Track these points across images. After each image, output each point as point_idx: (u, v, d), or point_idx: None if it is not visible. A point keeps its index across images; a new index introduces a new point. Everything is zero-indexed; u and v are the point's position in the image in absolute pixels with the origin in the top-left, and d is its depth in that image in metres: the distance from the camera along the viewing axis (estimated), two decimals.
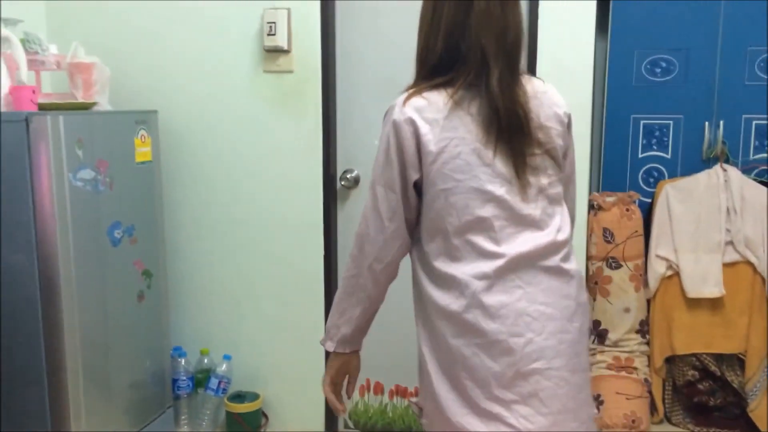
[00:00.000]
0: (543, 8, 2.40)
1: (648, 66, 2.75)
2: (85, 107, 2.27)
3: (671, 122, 2.77)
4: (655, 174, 2.83)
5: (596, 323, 2.75)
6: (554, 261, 1.39)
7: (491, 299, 1.33)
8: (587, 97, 2.42)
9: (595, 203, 2.72)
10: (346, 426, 2.91)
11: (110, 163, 2.25)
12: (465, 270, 1.35)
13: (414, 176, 1.38)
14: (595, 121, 2.53)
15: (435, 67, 1.40)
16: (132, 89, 2.71)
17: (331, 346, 1.53)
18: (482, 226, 1.34)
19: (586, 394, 1.43)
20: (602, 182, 2.87)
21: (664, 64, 2.73)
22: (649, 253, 2.76)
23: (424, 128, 1.34)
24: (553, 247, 1.39)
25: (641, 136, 2.81)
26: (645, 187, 2.84)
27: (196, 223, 2.80)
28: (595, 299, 2.74)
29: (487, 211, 1.34)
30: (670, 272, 2.75)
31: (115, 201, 2.29)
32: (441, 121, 1.34)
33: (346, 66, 2.70)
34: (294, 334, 2.77)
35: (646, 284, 2.77)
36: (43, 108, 2.12)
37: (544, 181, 1.39)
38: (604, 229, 2.70)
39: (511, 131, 1.34)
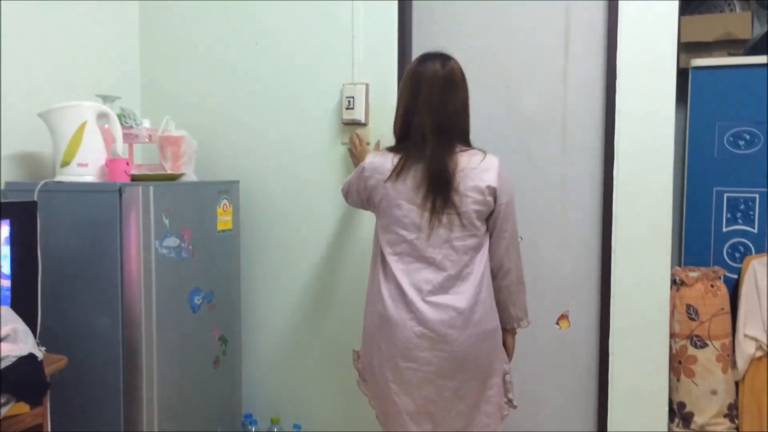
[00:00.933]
0: (621, 81, 2.39)
1: (731, 138, 2.69)
2: (173, 178, 2.38)
3: (757, 195, 2.67)
4: (741, 249, 2.72)
5: (681, 405, 2.61)
6: (446, 298, 1.87)
7: (394, 313, 1.89)
8: (668, 170, 2.37)
9: (678, 278, 2.62)
10: None
11: (193, 231, 2.34)
12: (382, 284, 1.93)
13: (369, 208, 2.02)
14: (675, 193, 2.47)
15: (399, 137, 1.96)
16: (216, 160, 2.84)
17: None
18: (397, 258, 1.91)
19: (453, 394, 1.91)
20: (684, 256, 2.78)
21: (747, 137, 2.67)
22: (737, 332, 2.63)
23: (373, 180, 1.93)
24: (448, 284, 1.88)
25: (725, 210, 2.72)
26: (730, 263, 2.72)
27: (270, 290, 2.85)
28: (679, 379, 2.61)
29: (401, 248, 1.90)
30: (760, 353, 2.60)
31: (196, 268, 2.37)
32: (384, 179, 1.90)
33: None
34: (365, 406, 2.73)
35: (734, 365, 2.62)
36: (136, 179, 2.24)
37: (453, 234, 1.87)
38: (688, 306, 2.59)
39: (435, 192, 1.84)
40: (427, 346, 1.88)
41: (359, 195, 2.01)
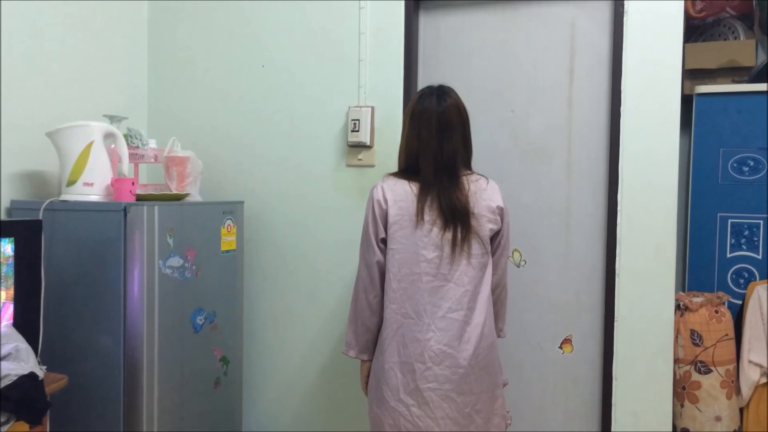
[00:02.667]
0: (625, 107, 2.40)
1: (735, 164, 2.69)
2: (178, 198, 2.39)
3: (761, 221, 2.67)
4: (745, 275, 2.71)
5: (685, 431, 2.58)
6: (461, 314, 1.96)
7: (409, 334, 1.95)
8: (672, 195, 2.38)
9: (682, 303, 2.61)
10: None
11: (198, 251, 2.34)
12: (394, 308, 1.98)
13: (381, 234, 2.00)
14: (679, 219, 2.47)
15: (406, 169, 2.05)
16: (221, 181, 2.85)
17: (354, 354, 2.10)
18: (414, 278, 1.97)
19: (473, 410, 1.98)
20: (688, 282, 2.77)
21: (751, 163, 2.67)
22: (741, 358, 2.61)
23: (388, 202, 1.99)
24: (463, 299, 1.96)
25: (729, 235, 2.72)
26: (734, 288, 2.71)
27: (273, 311, 2.85)
28: (683, 405, 2.59)
29: (420, 267, 1.96)
30: (765, 380, 2.58)
31: (199, 288, 2.37)
32: (399, 200, 1.98)
33: None
34: (367, 427, 2.72)
35: (738, 391, 2.60)
36: (141, 198, 2.25)
37: (473, 252, 1.97)
38: (692, 331, 2.57)
39: (456, 219, 1.95)
40: (448, 364, 1.94)
41: (376, 229, 2.01)
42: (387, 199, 1.99)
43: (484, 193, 2.01)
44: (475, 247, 1.98)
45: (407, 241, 1.97)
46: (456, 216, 1.95)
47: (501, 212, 2.04)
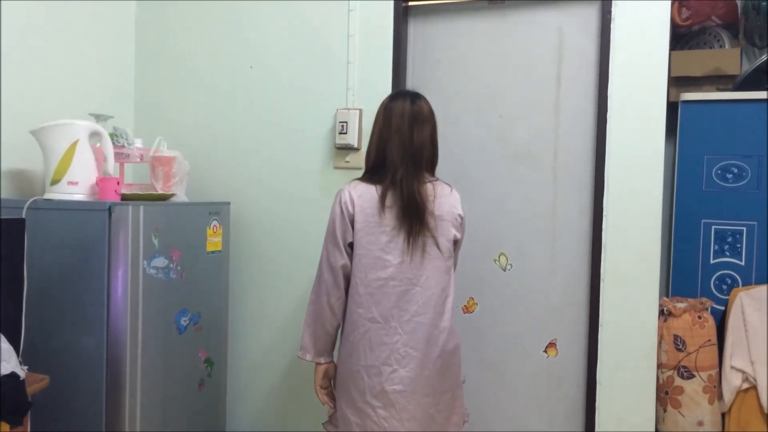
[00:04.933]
0: (612, 113, 2.42)
1: (719, 171, 2.71)
2: (164, 198, 2.38)
3: (744, 228, 2.69)
4: (728, 281, 2.73)
5: None
6: (426, 317, 2.00)
7: (375, 338, 1.98)
8: (657, 201, 2.40)
9: (665, 309, 2.63)
10: None
11: (183, 252, 2.33)
12: (361, 312, 2.00)
13: (348, 238, 2.02)
14: (664, 224, 2.49)
15: (372, 168, 2.07)
16: (207, 181, 2.84)
17: (310, 357, 2.11)
18: (381, 283, 1.99)
19: (435, 410, 2.03)
20: (672, 287, 2.79)
21: (735, 170, 2.70)
22: (724, 364, 2.63)
23: (355, 208, 2.01)
24: (428, 303, 2.00)
25: (713, 242, 2.74)
26: (718, 294, 2.73)
27: (258, 313, 2.84)
28: (665, 410, 2.60)
29: (387, 273, 1.99)
30: (746, 385, 2.60)
31: (184, 289, 2.35)
32: (366, 207, 2.00)
33: None
34: None
35: (720, 397, 2.62)
36: (126, 198, 2.24)
37: (433, 256, 2.01)
38: (675, 336, 2.59)
39: (411, 216, 1.97)
40: (413, 366, 1.99)
41: (344, 232, 2.03)
42: (354, 203, 2.01)
43: (448, 198, 2.07)
44: (440, 251, 2.03)
45: (373, 246, 2.00)
46: (412, 210, 1.98)
47: (462, 221, 2.10)
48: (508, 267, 2.68)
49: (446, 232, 2.04)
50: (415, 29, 2.75)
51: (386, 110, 2.07)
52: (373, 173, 2.06)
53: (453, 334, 2.08)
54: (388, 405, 1.99)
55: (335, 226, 2.03)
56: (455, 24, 2.71)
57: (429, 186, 2.03)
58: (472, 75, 2.69)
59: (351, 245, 2.03)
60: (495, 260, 2.69)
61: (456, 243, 2.09)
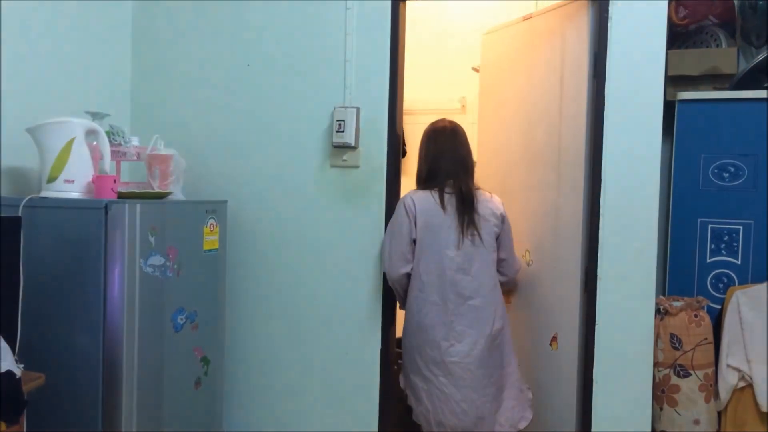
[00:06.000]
0: (609, 112, 2.42)
1: (715, 170, 2.72)
2: (161, 196, 2.37)
3: (741, 227, 2.70)
4: (725, 280, 2.74)
5: None
6: (477, 301, 2.46)
7: (436, 318, 2.45)
8: (654, 200, 2.40)
9: (662, 307, 2.63)
10: None
11: (179, 250, 2.32)
12: (423, 296, 2.47)
13: (413, 235, 2.49)
14: (661, 223, 2.49)
15: (427, 178, 2.55)
16: (204, 180, 2.83)
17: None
18: (439, 272, 2.46)
19: (488, 381, 2.47)
20: (668, 286, 2.80)
21: (732, 169, 2.70)
22: (720, 363, 2.64)
23: (417, 209, 2.48)
24: (479, 289, 2.47)
25: (709, 241, 2.75)
26: (714, 293, 2.75)
27: (255, 311, 2.84)
28: (662, 408, 2.61)
29: (444, 263, 2.46)
30: (742, 383, 2.61)
31: (180, 287, 2.35)
32: (426, 208, 2.48)
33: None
34: (348, 426, 2.72)
35: (716, 395, 2.63)
36: (122, 196, 2.23)
37: (479, 249, 2.48)
38: (672, 335, 2.60)
39: (464, 214, 2.47)
40: (468, 342, 2.45)
41: (409, 230, 2.49)
42: (416, 205, 2.47)
43: (488, 202, 2.53)
44: (484, 246, 2.48)
45: (433, 241, 2.46)
46: (466, 208, 2.46)
47: (503, 218, 2.55)
48: (531, 262, 2.76)
49: (489, 229, 2.50)
50: None
51: (431, 133, 2.60)
52: (428, 182, 2.53)
53: (501, 317, 2.51)
54: (447, 374, 2.44)
55: (401, 224, 2.48)
56: None
57: (475, 192, 2.52)
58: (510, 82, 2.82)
59: (414, 241, 2.48)
60: (523, 256, 2.80)
61: (498, 237, 2.54)
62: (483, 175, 2.94)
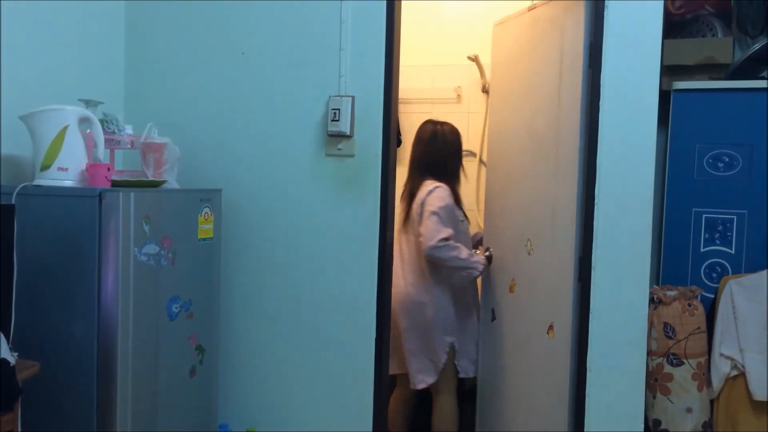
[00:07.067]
0: (604, 102, 2.42)
1: (710, 160, 2.72)
2: (155, 185, 2.37)
3: (735, 217, 2.71)
4: (718, 269, 2.75)
5: (656, 422, 2.62)
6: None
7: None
8: (648, 190, 2.40)
9: (656, 296, 2.64)
10: None
11: (174, 239, 2.32)
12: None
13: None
14: (655, 213, 2.50)
15: (431, 172, 3.13)
16: (199, 168, 2.82)
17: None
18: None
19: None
20: (662, 275, 2.81)
21: (726, 159, 2.71)
22: (713, 352, 2.65)
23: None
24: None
25: (703, 230, 2.75)
26: (707, 282, 2.75)
27: (250, 300, 2.84)
28: (654, 397, 2.63)
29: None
30: (735, 372, 2.63)
31: (175, 276, 2.34)
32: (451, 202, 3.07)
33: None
34: (343, 416, 2.73)
35: (709, 384, 2.65)
36: (116, 185, 2.22)
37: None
38: (665, 324, 2.61)
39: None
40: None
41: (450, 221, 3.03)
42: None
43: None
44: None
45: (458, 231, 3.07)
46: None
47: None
48: (531, 251, 2.77)
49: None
50: None
51: (437, 134, 3.16)
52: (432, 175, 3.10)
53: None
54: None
55: (450, 211, 3.02)
56: None
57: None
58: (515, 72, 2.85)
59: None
60: (525, 245, 2.81)
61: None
62: (494, 166, 3.11)
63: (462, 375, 3.14)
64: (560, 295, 2.61)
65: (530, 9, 2.87)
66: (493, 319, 3.11)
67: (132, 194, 2.13)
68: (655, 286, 2.70)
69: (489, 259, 3.12)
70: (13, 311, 2.02)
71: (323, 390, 2.76)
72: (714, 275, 2.76)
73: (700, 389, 2.61)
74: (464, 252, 2.96)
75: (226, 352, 2.83)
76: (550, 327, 2.67)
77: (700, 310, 2.64)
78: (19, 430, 1.89)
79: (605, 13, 2.41)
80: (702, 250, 2.77)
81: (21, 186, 2.16)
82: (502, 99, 3.13)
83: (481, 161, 3.90)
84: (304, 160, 2.74)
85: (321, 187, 2.72)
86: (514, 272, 2.96)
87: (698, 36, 2.96)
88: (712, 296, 2.73)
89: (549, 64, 2.68)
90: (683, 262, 2.79)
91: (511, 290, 2.97)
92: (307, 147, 2.73)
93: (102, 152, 2.30)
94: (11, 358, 1.80)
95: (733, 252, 2.73)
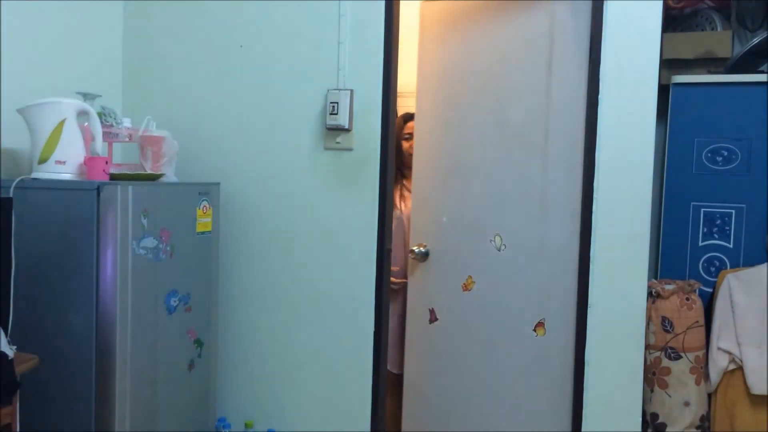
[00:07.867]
0: (603, 95, 2.41)
1: (709, 154, 2.72)
2: (153, 178, 2.36)
3: (733, 211, 2.71)
4: (717, 263, 2.75)
5: (654, 416, 2.63)
6: None
7: None
8: (647, 184, 2.40)
9: (654, 290, 2.65)
10: None
11: (172, 232, 2.32)
12: None
13: None
14: (654, 207, 2.50)
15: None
16: (197, 162, 2.82)
17: None
18: None
19: None
20: (660, 269, 2.81)
21: (725, 153, 2.71)
22: (711, 345, 2.66)
23: None
24: None
25: (702, 224, 2.76)
26: (706, 276, 2.76)
27: (248, 293, 2.84)
28: (652, 390, 2.63)
29: None
30: (732, 366, 2.64)
31: (173, 269, 2.34)
32: None
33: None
34: (341, 410, 2.73)
35: (707, 377, 2.66)
36: (114, 178, 2.22)
37: None
38: (663, 318, 2.62)
39: None
40: None
41: None
42: None
43: None
44: None
45: None
46: None
47: None
48: (503, 247, 2.69)
49: None
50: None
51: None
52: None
53: None
54: None
55: None
56: (450, 6, 2.70)
57: None
58: (468, 57, 2.70)
59: None
60: (491, 240, 2.70)
61: None
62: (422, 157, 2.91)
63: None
64: (554, 290, 2.60)
65: None
66: (434, 320, 2.90)
67: (130, 187, 2.12)
68: (654, 280, 2.71)
69: (424, 255, 2.90)
70: (11, 305, 2.02)
71: (321, 383, 2.76)
72: (712, 269, 2.76)
73: (697, 383, 2.62)
74: None
75: (225, 346, 2.83)
76: (539, 324, 2.65)
77: (699, 304, 2.65)
78: (18, 423, 1.89)
79: (604, 7, 2.40)
80: (700, 244, 2.77)
81: (18, 179, 2.15)
82: (437, 85, 2.89)
83: None
84: (303, 153, 2.73)
85: (319, 180, 2.72)
86: (471, 269, 2.79)
87: (697, 30, 2.96)
88: (711, 290, 2.74)
89: (527, 51, 2.61)
90: (682, 256, 2.79)
91: (466, 288, 2.81)
92: (306, 140, 2.72)
93: (100, 145, 2.29)
94: (9, 351, 1.80)
95: (731, 246, 2.74)
